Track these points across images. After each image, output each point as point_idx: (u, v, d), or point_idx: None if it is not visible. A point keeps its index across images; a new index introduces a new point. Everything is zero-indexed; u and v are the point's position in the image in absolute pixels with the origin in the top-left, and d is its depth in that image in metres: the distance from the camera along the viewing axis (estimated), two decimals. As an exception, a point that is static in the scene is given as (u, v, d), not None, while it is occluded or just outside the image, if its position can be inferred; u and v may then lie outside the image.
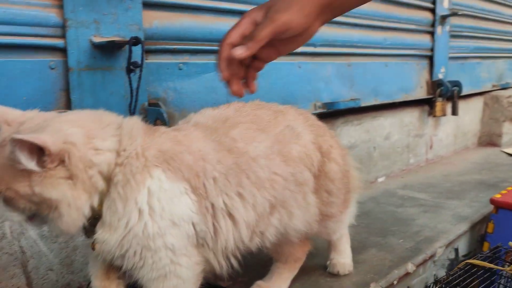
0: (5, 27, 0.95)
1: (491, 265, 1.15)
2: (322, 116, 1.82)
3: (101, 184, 0.73)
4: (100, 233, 0.74)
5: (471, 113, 2.94)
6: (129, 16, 1.12)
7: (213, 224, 0.80)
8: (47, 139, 0.66)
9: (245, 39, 0.85)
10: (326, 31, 1.76)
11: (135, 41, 1.03)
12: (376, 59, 2.05)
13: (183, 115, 1.29)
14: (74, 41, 1.04)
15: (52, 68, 1.03)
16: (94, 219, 0.74)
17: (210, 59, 1.36)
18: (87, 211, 0.72)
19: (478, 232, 1.66)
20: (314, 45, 1.72)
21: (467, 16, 2.68)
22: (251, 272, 1.19)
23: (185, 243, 0.77)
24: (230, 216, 0.81)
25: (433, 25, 2.39)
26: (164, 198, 0.74)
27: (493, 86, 3.13)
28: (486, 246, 1.55)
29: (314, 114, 1.73)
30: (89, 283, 0.86)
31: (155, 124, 1.17)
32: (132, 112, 1.04)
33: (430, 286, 1.07)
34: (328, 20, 0.90)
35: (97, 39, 1.06)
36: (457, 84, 2.49)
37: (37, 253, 1.05)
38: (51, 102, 1.03)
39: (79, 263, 1.10)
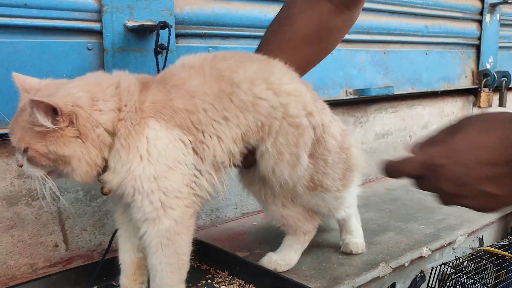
0: (49, 12, 1.07)
1: (504, 253, 1.15)
2: (354, 103, 1.86)
3: (108, 139, 0.83)
4: (106, 175, 0.85)
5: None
6: (160, 2, 1.21)
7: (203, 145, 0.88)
8: (58, 101, 0.77)
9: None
10: (361, 18, 1.77)
11: (163, 25, 1.12)
12: (415, 47, 2.03)
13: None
14: (109, 25, 1.14)
15: (89, 49, 1.14)
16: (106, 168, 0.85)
17: (239, 44, 1.43)
18: (99, 163, 0.83)
19: (509, 224, 1.63)
20: (348, 32, 1.74)
21: (523, 4, 2.57)
22: (267, 245, 1.27)
23: (179, 185, 0.85)
24: (218, 138, 0.90)
25: (481, 13, 2.32)
26: (160, 145, 0.84)
27: (552, 78, 2.97)
28: (515, 238, 1.53)
29: (345, 100, 1.77)
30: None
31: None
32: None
33: (436, 268, 1.09)
34: None
35: (130, 23, 1.16)
36: (505, 74, 2.41)
37: (73, 214, 1.18)
38: (88, 79, 1.15)
39: (110, 226, 1.22)
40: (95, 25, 1.14)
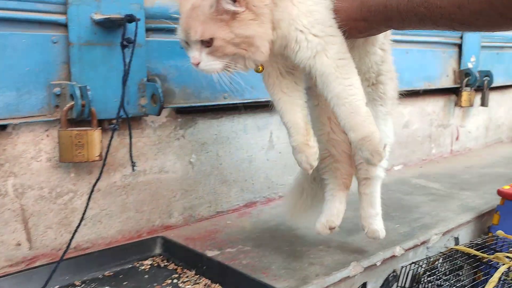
0: (11, 2, 1.04)
1: (476, 252, 1.13)
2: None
3: (270, 13, 0.92)
4: (275, 32, 0.94)
5: (506, 105, 2.83)
6: (130, -5, 1.19)
7: None
8: None
9: None
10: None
11: (130, 18, 1.10)
12: (395, 46, 1.98)
13: (183, 92, 1.35)
14: (75, 18, 1.12)
15: (54, 42, 1.11)
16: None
17: (213, 39, 1.41)
18: (271, 36, 0.93)
19: (486, 224, 1.62)
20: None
21: (505, 3, 2.56)
22: (239, 244, 1.25)
23: (327, 16, 0.95)
24: None
25: (463, 12, 2.31)
26: None
27: (534, 78, 2.98)
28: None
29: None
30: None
31: (152, 99, 1.24)
32: (124, 85, 1.10)
33: (406, 267, 1.08)
34: None
35: (97, 16, 1.14)
36: (488, 74, 2.41)
37: (37, 212, 1.14)
38: (52, 73, 1.12)
39: (76, 224, 1.19)
40: (60, 18, 1.11)
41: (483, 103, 2.48)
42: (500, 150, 2.67)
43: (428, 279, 1.21)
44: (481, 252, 1.19)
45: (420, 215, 1.53)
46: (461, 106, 2.39)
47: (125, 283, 1.07)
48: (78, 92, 1.10)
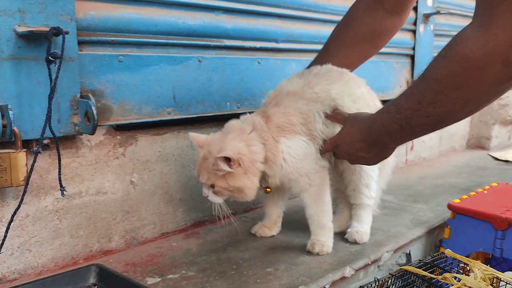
0: None
1: (424, 273, 1.11)
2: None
3: (262, 167, 1.22)
4: (269, 179, 1.26)
5: (459, 114, 2.87)
6: (59, 6, 1.10)
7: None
8: (230, 153, 1.14)
9: None
10: (290, 27, 1.73)
11: (56, 31, 1.01)
12: (348, 57, 2.00)
13: (122, 108, 1.28)
14: (-4, 30, 1.02)
15: (-28, 57, 1.01)
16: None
17: (155, 52, 1.34)
18: (258, 185, 1.23)
19: (437, 237, 1.61)
20: (276, 41, 1.68)
21: (455, 15, 2.61)
22: (183, 268, 1.18)
23: (312, 166, 1.25)
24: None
25: (415, 23, 2.33)
26: (290, 151, 1.24)
27: (486, 87, 3.04)
28: (442, 252, 1.50)
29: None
30: None
31: (85, 116, 1.16)
32: (50, 102, 1.02)
33: (354, 292, 1.03)
34: None
35: (21, 29, 1.04)
36: (440, 84, 2.43)
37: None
38: (-30, 91, 1.02)
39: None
40: (-22, 30, 1.01)
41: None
42: (453, 158, 2.70)
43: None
44: (430, 271, 1.16)
45: (372, 231, 1.50)
46: (414, 117, 2.40)
47: (52, 319, 0.98)
48: (-3, 112, 1.01)
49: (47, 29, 1.04)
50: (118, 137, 1.31)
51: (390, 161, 1.46)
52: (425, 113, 0.97)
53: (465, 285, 1.06)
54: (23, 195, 0.98)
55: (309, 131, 1.26)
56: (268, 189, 1.32)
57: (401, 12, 1.42)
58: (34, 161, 0.98)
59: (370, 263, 1.30)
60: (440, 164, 2.55)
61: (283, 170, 1.24)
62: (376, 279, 1.12)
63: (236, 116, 1.32)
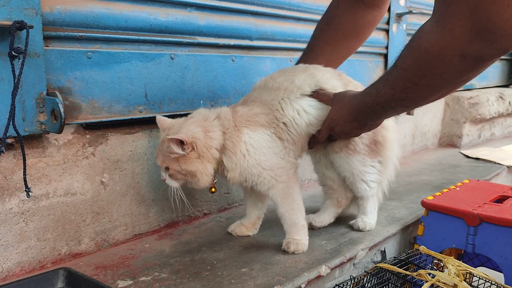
0: None
1: (399, 270, 1.10)
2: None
3: (217, 154, 1.21)
4: (227, 173, 1.24)
5: (431, 113, 2.91)
6: (23, -1, 1.06)
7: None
8: (183, 136, 1.14)
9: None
10: (265, 25, 1.71)
11: (19, 25, 0.97)
12: (323, 55, 1.99)
13: (91, 106, 1.24)
14: (-46, 24, 0.97)
15: None
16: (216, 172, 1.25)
17: (126, 48, 1.30)
18: (212, 172, 1.21)
19: (412, 234, 1.62)
20: (251, 39, 1.66)
21: (427, 15, 2.63)
22: (156, 270, 1.15)
23: (276, 161, 1.25)
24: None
25: (388, 22, 2.35)
26: (253, 142, 1.23)
27: (456, 87, 3.10)
28: (416, 249, 1.51)
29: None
30: None
31: (52, 114, 1.11)
32: (14, 100, 0.97)
33: (329, 290, 1.02)
34: None
35: (-18, 22, 1.00)
36: (412, 83, 2.45)
37: None
38: None
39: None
40: None
41: (409, 111, 2.53)
42: (425, 156, 2.74)
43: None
44: (405, 268, 1.16)
45: (347, 229, 1.50)
46: (388, 115, 2.42)
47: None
48: (-42, 109, 0.96)
49: (10, 23, 0.99)
50: (88, 136, 1.27)
51: (392, 155, 1.51)
52: (400, 97, 1.07)
53: (439, 281, 1.06)
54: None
55: (276, 122, 1.26)
56: (213, 189, 1.31)
57: (380, 5, 1.45)
58: (-3, 161, 0.94)
59: (345, 261, 1.29)
60: (413, 162, 2.58)
61: (245, 162, 1.22)
62: (351, 277, 1.11)
63: (210, 114, 1.29)
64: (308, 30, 1.88)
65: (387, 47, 2.36)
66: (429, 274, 1.08)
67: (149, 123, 1.41)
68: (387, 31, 2.35)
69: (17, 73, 0.97)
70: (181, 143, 1.14)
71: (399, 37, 2.42)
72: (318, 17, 1.92)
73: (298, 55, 1.86)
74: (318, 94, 1.30)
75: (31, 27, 1.00)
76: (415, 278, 1.10)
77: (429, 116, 2.89)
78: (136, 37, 1.32)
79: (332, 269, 1.25)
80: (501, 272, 1.37)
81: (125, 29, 1.29)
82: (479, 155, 2.69)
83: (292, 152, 1.30)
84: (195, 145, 1.16)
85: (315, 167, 1.52)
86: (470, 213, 1.40)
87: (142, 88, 1.35)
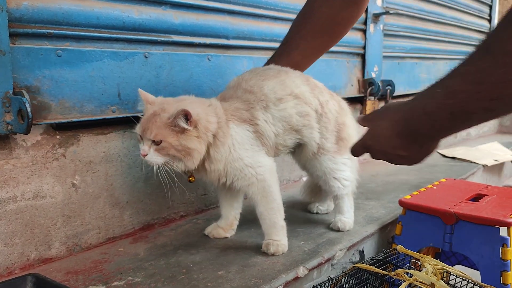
0: None
1: (377, 270, 1.10)
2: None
3: (211, 139, 1.18)
4: (210, 165, 1.21)
5: (408, 113, 2.93)
6: (-13, -6, 1.01)
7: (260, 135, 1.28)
8: (193, 112, 1.12)
9: None
10: (241, 24, 1.69)
11: (-18, 21, 0.93)
12: (300, 55, 1.98)
13: (62, 105, 1.20)
14: None
15: None
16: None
17: (98, 47, 1.27)
18: (203, 155, 1.18)
19: (390, 234, 1.62)
20: (227, 37, 1.64)
21: (404, 15, 2.66)
22: (129, 274, 1.11)
23: (257, 158, 1.25)
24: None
25: (365, 23, 2.35)
26: (237, 137, 1.23)
27: (433, 87, 3.12)
28: (394, 249, 1.51)
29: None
30: None
31: (19, 114, 1.07)
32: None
33: (307, 292, 1.01)
34: None
35: None
36: (390, 83, 2.47)
37: None
38: None
39: None
40: None
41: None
42: (404, 156, 2.75)
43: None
44: (383, 267, 1.16)
45: (325, 229, 1.49)
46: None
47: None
48: None
49: (-27, 18, 0.95)
50: (58, 136, 1.22)
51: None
52: (490, 95, 0.75)
53: (417, 280, 1.06)
54: None
55: (254, 120, 1.26)
56: (191, 178, 1.26)
57: (358, 1, 1.41)
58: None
59: (323, 261, 1.28)
60: (391, 162, 2.59)
61: (230, 155, 1.21)
62: (329, 278, 1.10)
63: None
64: (286, 29, 1.86)
65: (364, 47, 2.37)
66: (407, 273, 1.07)
67: (123, 123, 1.37)
68: (364, 31, 2.35)
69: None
70: (185, 118, 1.11)
71: (376, 37, 2.43)
72: (295, 16, 1.90)
73: (275, 54, 1.84)
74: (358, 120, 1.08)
75: (-5, 23, 0.96)
76: (393, 278, 1.09)
77: (407, 116, 2.91)
78: (109, 35, 1.28)
79: (310, 270, 1.23)
80: (477, 270, 1.38)
81: (97, 26, 1.25)
82: (455, 154, 2.72)
83: (268, 153, 1.30)
84: (199, 123, 1.14)
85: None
86: (447, 212, 1.40)
87: (115, 88, 1.32)
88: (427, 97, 0.85)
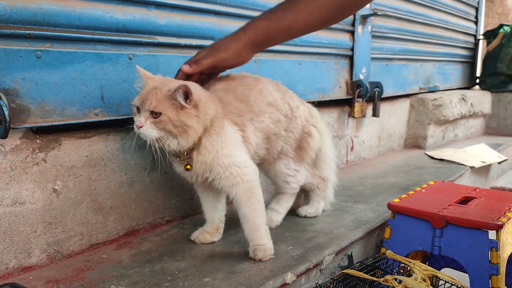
0: None
1: (366, 276, 1.08)
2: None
3: (209, 124, 1.18)
4: (198, 156, 1.20)
5: (396, 115, 2.93)
6: (-38, -7, 0.97)
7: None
8: (194, 92, 1.13)
9: (192, 63, 1.29)
10: (228, 25, 1.67)
11: (-44, 21, 0.89)
12: (288, 57, 1.97)
13: (42, 109, 1.16)
14: None
15: None
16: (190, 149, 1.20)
17: (79, 48, 1.23)
18: (196, 138, 1.16)
19: (379, 238, 1.60)
20: (213, 39, 1.61)
21: (392, 17, 2.66)
22: (112, 282, 1.07)
23: (245, 159, 1.25)
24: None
25: (353, 24, 2.34)
26: (230, 135, 1.23)
27: (421, 88, 3.14)
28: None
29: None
30: None
31: (-4, 118, 1.03)
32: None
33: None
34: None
35: None
36: (378, 85, 2.46)
37: None
38: None
39: None
40: None
41: (375, 113, 2.54)
42: (391, 158, 2.75)
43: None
44: (372, 273, 1.14)
45: (314, 233, 1.47)
46: (354, 117, 2.41)
47: None
48: None
49: None
50: (38, 141, 1.19)
51: (327, 152, 1.60)
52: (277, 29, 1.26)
53: (406, 287, 1.04)
54: None
55: (243, 127, 1.29)
56: (188, 166, 1.23)
57: None
58: None
59: (312, 267, 1.26)
60: (380, 163, 2.58)
61: (221, 150, 1.21)
62: (317, 284, 1.08)
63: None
64: (273, 30, 1.84)
65: (352, 49, 2.35)
66: (396, 279, 1.06)
67: (106, 126, 1.33)
68: (352, 32, 2.34)
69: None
70: (186, 95, 1.11)
71: (364, 39, 2.42)
72: (283, 18, 1.88)
73: (263, 56, 1.83)
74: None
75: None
76: (382, 284, 1.08)
77: (395, 117, 2.91)
78: (91, 36, 1.25)
79: (298, 276, 1.21)
80: (466, 273, 1.37)
81: (79, 27, 1.22)
82: (443, 156, 2.73)
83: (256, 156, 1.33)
84: (199, 104, 1.14)
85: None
86: (435, 215, 1.39)
87: (98, 90, 1.28)
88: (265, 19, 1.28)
